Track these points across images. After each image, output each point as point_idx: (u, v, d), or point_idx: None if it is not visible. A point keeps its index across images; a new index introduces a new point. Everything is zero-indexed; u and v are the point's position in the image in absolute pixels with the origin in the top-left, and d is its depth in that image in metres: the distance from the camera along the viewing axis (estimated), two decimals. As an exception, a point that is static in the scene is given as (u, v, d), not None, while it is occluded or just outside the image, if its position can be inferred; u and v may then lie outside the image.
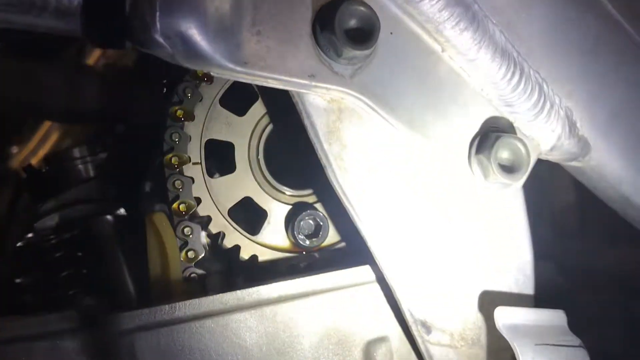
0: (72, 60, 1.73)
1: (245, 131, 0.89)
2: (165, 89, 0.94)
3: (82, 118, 1.61)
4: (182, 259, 0.85)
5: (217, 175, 0.89)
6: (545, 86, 0.80)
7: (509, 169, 0.78)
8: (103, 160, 1.12)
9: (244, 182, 0.89)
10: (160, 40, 0.64)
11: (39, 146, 1.87)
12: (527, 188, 2.08)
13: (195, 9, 0.64)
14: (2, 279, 1.12)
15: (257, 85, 0.90)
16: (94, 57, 1.84)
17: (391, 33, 0.75)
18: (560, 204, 2.13)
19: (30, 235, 1.06)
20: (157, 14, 0.63)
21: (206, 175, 0.87)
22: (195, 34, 0.64)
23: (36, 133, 1.89)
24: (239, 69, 0.68)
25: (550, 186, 2.03)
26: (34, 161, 1.82)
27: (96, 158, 1.12)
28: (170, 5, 0.63)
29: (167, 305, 0.78)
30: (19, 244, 1.00)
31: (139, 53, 1.59)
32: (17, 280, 1.03)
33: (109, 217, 1.05)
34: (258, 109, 0.90)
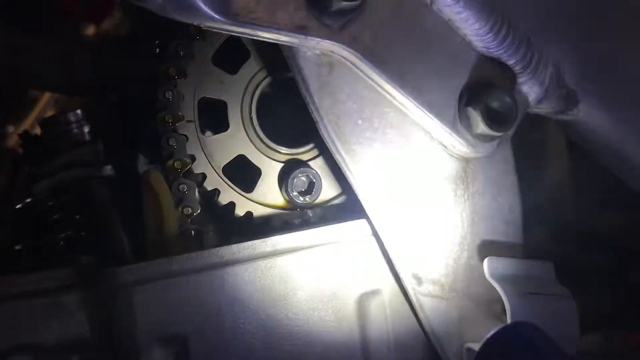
0: (68, 32, 1.73)
1: (238, 89, 0.90)
2: (157, 50, 0.95)
3: (77, 89, 1.62)
4: (178, 216, 0.86)
5: (210, 133, 0.90)
6: (532, 39, 0.81)
7: (497, 121, 0.80)
8: (98, 124, 1.13)
9: (238, 140, 0.90)
10: (152, -9, 0.65)
11: (34, 126, 1.88)
12: (521, 155, 2.09)
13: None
14: (2, 245, 1.14)
15: (249, 43, 0.91)
16: (89, 30, 1.84)
17: (381, -15, 0.75)
18: (554, 172, 2.15)
19: (28, 200, 1.07)
20: (148, -37, 0.63)
21: (200, 133, 0.88)
22: (186, -17, 0.65)
23: (32, 113, 1.90)
24: (229, 21, 0.69)
25: (545, 154, 2.05)
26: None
27: (91, 122, 1.13)
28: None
29: (164, 259, 0.80)
30: (17, 206, 1.01)
31: (132, 22, 1.60)
32: (17, 247, 1.04)
33: (103, 178, 1.06)
34: (250, 67, 0.91)
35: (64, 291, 0.79)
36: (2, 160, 1.88)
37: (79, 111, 1.12)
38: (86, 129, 1.13)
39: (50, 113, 1.85)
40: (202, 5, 0.66)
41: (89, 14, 1.51)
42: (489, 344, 0.68)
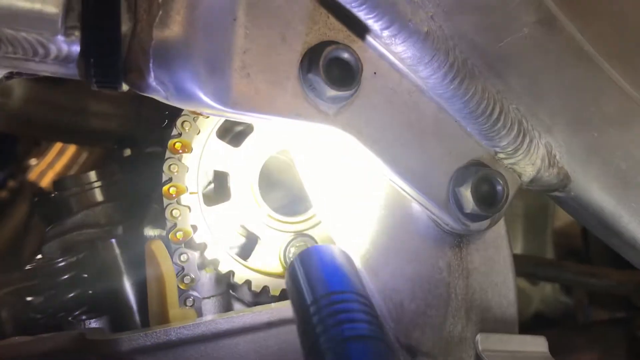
0: (85, 83, 1.78)
1: (241, 161, 0.93)
2: (166, 120, 0.99)
3: (91, 140, 1.67)
4: (178, 285, 0.89)
5: (213, 202, 0.93)
6: (524, 121, 0.84)
7: (487, 200, 0.82)
8: (110, 186, 1.17)
9: (239, 210, 0.93)
10: (155, 85, 0.69)
11: (56, 159, 1.94)
12: (530, 208, 2.09)
13: (187, 57, 0.68)
14: (17, 294, 1.18)
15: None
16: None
17: (375, 73, 0.79)
18: (564, 226, 2.16)
19: (38, 257, 1.11)
20: (151, 63, 0.68)
21: (202, 204, 0.91)
22: (187, 80, 0.69)
23: (53, 146, 1.95)
24: (228, 109, 0.72)
25: (552, 209, 2.06)
26: (50, 174, 1.88)
27: (104, 183, 1.17)
28: (163, 54, 0.68)
29: (162, 329, 0.83)
30: (27, 267, 1.05)
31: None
32: (29, 299, 1.07)
33: (114, 240, 1.10)
34: (253, 141, 0.94)
35: (62, 356, 0.82)
36: (22, 193, 1.93)
37: (92, 172, 1.17)
38: (101, 190, 1.17)
39: (71, 149, 1.90)
40: (203, 96, 0.70)
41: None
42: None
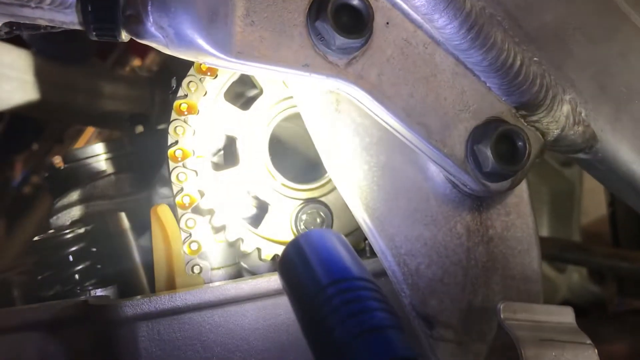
0: (102, 66, 1.79)
1: (250, 125, 0.90)
2: (174, 86, 0.96)
3: (106, 121, 1.67)
4: (185, 251, 0.86)
5: (221, 168, 0.90)
6: (547, 75, 0.79)
7: (508, 158, 0.77)
8: (119, 158, 1.15)
9: (248, 176, 0.90)
10: (154, 31, 0.66)
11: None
12: (556, 194, 2.03)
13: (187, 0, 0.65)
14: (27, 273, 1.16)
15: (261, 80, 0.92)
16: (135, 62, 1.91)
17: (387, 23, 0.75)
18: (591, 213, 2.09)
19: (50, 231, 1.09)
20: (150, 5, 0.64)
21: (210, 168, 0.88)
22: (187, 25, 0.66)
23: (76, 143, 1.96)
24: (232, 59, 0.69)
25: (579, 195, 1.99)
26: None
27: (112, 155, 1.15)
28: (163, -4, 0.65)
29: (167, 295, 0.80)
30: (35, 238, 1.03)
31: (162, 56, 1.64)
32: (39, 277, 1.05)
33: (123, 210, 1.07)
34: (262, 103, 0.91)
35: (66, 323, 0.80)
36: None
37: (100, 144, 1.15)
38: (109, 162, 1.15)
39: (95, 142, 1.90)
40: (204, 44, 0.67)
41: (136, 46, 1.55)
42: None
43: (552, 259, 1.74)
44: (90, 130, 1.92)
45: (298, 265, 0.61)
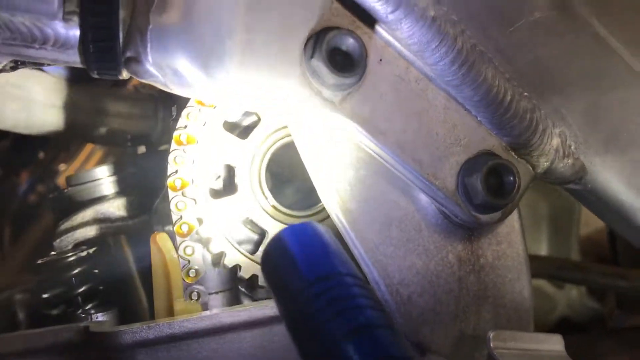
0: (104, 84, 1.81)
1: (248, 154, 0.92)
2: (174, 114, 0.98)
3: (107, 140, 1.69)
4: (184, 278, 0.88)
5: (219, 195, 0.92)
6: (537, 110, 0.81)
7: (498, 191, 0.79)
8: (122, 181, 1.17)
9: (246, 203, 0.92)
10: (153, 70, 0.69)
11: (84, 164, 1.96)
12: (555, 210, 2.03)
13: (185, 42, 0.67)
14: (31, 292, 1.19)
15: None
16: (130, 84, 1.93)
17: (380, 60, 0.77)
18: (591, 231, 2.10)
19: (52, 253, 1.12)
20: (149, 47, 0.67)
21: (208, 196, 0.90)
22: (185, 65, 0.68)
23: (82, 152, 1.98)
24: (229, 96, 0.71)
25: (578, 211, 2.00)
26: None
27: (116, 178, 1.17)
28: (162, 38, 0.67)
29: (165, 323, 0.82)
30: (39, 261, 1.05)
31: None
32: (44, 296, 1.07)
33: (125, 234, 1.10)
34: (260, 133, 0.93)
35: (65, 349, 0.81)
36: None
37: (104, 167, 1.17)
38: (112, 185, 1.17)
39: (99, 153, 1.93)
40: (202, 82, 0.69)
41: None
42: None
43: (550, 277, 1.76)
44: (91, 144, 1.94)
45: (282, 261, 0.58)
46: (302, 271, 0.55)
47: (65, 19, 0.66)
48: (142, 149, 1.35)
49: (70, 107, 1.57)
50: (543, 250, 1.96)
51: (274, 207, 0.93)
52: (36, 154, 2.03)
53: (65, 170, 1.96)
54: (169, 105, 1.25)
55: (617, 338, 1.83)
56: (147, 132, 1.43)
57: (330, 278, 0.54)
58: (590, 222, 2.10)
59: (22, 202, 2.06)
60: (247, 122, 0.95)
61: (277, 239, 0.58)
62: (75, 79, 1.58)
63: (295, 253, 0.57)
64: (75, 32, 0.68)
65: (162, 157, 0.96)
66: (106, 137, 1.65)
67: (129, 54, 0.68)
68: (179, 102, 0.96)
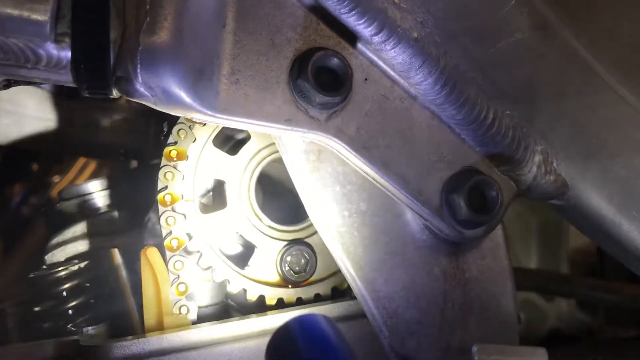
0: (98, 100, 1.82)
1: (237, 169, 0.94)
2: (165, 130, 1.00)
3: (99, 153, 1.70)
4: (173, 292, 0.89)
5: (209, 210, 0.94)
6: (519, 128, 0.83)
7: (481, 207, 0.81)
8: (113, 195, 1.18)
9: (235, 218, 0.93)
10: (143, 90, 0.70)
11: (77, 176, 1.97)
12: (545, 224, 2.05)
13: (174, 62, 0.69)
14: (22, 304, 1.19)
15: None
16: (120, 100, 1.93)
17: (366, 79, 0.79)
18: (580, 244, 2.12)
19: (43, 267, 1.13)
20: (139, 67, 0.68)
21: (198, 212, 0.92)
22: (175, 85, 0.70)
23: (75, 164, 1.99)
24: (218, 115, 0.73)
25: (567, 224, 2.02)
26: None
27: (108, 192, 1.18)
28: (151, 59, 0.68)
29: (155, 337, 0.83)
30: (30, 275, 1.06)
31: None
32: (36, 309, 1.08)
33: (116, 248, 1.11)
34: (250, 149, 0.95)
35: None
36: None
37: (96, 181, 1.18)
38: (103, 199, 1.18)
39: (92, 165, 1.93)
40: (191, 102, 0.71)
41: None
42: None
43: (538, 290, 1.77)
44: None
45: (289, 355, 0.58)
46: None
47: (57, 41, 0.68)
48: (134, 164, 1.36)
49: (63, 121, 1.58)
50: (533, 262, 1.98)
51: (262, 221, 0.94)
52: (29, 166, 2.04)
53: (58, 182, 1.96)
54: (160, 121, 1.26)
55: (607, 350, 1.84)
56: (139, 147, 1.44)
57: None
58: (578, 242, 2.11)
59: (15, 214, 2.06)
60: (237, 138, 0.96)
61: (285, 330, 0.59)
62: (68, 92, 1.60)
63: (301, 348, 0.57)
64: (67, 53, 0.69)
65: (154, 172, 0.98)
66: (99, 151, 1.66)
67: (119, 73, 0.69)
68: (170, 118, 0.98)
